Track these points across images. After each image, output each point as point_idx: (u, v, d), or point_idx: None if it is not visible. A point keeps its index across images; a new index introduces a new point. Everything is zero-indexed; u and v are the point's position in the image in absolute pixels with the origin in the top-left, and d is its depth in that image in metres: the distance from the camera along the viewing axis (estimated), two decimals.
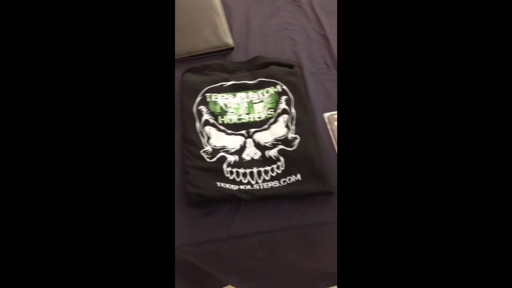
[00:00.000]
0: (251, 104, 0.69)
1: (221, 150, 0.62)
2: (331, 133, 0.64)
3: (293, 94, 0.68)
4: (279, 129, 0.64)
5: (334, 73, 0.72)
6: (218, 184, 0.58)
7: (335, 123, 0.65)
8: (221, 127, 0.66)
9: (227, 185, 0.58)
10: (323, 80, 0.72)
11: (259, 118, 0.66)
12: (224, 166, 0.60)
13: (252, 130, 0.65)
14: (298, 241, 0.59)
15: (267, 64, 0.73)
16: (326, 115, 0.66)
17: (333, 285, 0.79)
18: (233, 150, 0.63)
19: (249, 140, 0.64)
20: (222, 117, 0.67)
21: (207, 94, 0.69)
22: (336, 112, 0.66)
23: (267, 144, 0.63)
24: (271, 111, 0.67)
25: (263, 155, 0.62)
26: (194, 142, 0.63)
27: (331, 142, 0.63)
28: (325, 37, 0.78)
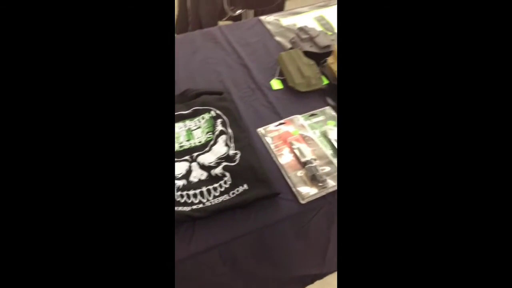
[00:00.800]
0: (189, 131, 0.73)
1: None
2: (266, 145, 0.71)
3: (227, 116, 0.74)
4: (220, 149, 0.69)
5: (258, 94, 0.82)
6: None
7: (269, 135, 0.72)
8: None
9: (180, 208, 0.61)
10: (250, 101, 0.80)
11: (199, 142, 0.71)
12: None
13: (195, 154, 0.69)
14: (256, 245, 0.63)
15: (198, 95, 0.79)
16: (259, 130, 0.74)
17: None
18: (180, 176, 0.66)
19: (194, 164, 0.68)
20: None
21: None
22: (267, 125, 0.74)
23: (211, 164, 0.67)
24: (210, 134, 0.72)
25: (209, 175, 0.66)
26: None
27: (268, 152, 0.70)
28: (244, 66, 0.88)
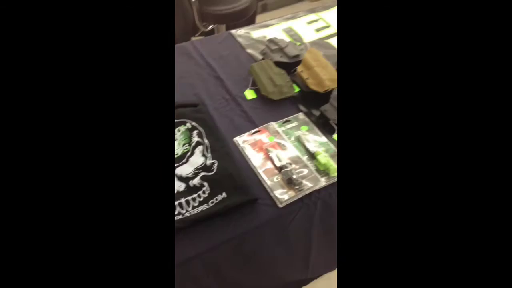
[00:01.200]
0: None
1: None
2: (243, 153, 0.73)
3: (202, 128, 0.75)
4: (197, 159, 0.70)
5: (233, 105, 0.84)
6: None
7: (245, 143, 0.74)
8: None
9: None
10: (225, 112, 0.82)
11: (176, 154, 0.72)
12: None
13: None
14: (238, 253, 0.63)
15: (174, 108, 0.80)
16: (235, 139, 0.75)
17: None
18: None
19: None
20: None
21: None
22: (243, 134, 0.76)
23: (189, 175, 0.68)
24: (186, 146, 0.73)
25: (187, 186, 0.66)
26: None
27: (245, 159, 0.71)
28: (218, 78, 0.90)
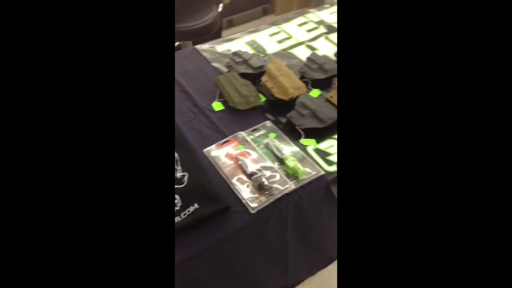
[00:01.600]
0: None
1: None
2: (213, 163, 0.73)
3: None
4: None
5: (201, 117, 0.85)
6: None
7: (215, 153, 0.75)
8: None
9: None
10: (194, 124, 0.83)
11: None
12: None
13: None
14: (215, 262, 0.63)
15: None
16: (205, 150, 0.76)
17: None
18: None
19: None
20: None
21: None
22: (213, 145, 0.77)
23: None
24: None
25: None
26: None
27: (215, 169, 0.72)
28: (185, 92, 0.91)
